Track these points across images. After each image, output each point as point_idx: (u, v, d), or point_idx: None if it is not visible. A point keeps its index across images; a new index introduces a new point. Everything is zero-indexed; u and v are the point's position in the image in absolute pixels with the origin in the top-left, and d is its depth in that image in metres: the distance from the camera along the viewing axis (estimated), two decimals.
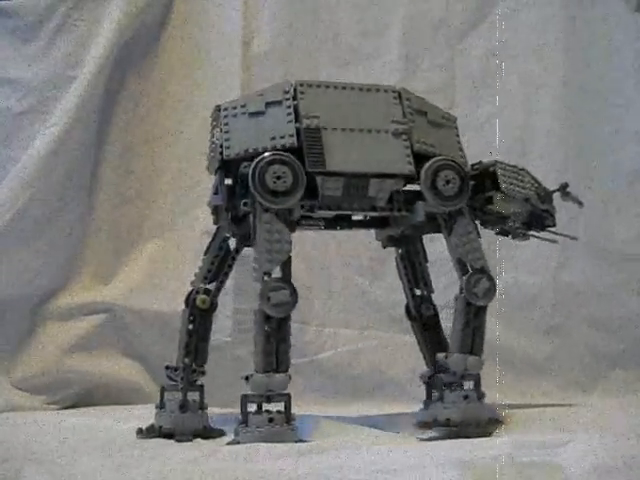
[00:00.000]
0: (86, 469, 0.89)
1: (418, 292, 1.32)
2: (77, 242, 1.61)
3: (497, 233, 1.32)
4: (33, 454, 0.98)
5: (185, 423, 1.14)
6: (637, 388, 1.67)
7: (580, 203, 1.31)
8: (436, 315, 1.31)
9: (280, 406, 1.06)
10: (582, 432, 0.91)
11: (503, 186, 1.22)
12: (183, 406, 1.16)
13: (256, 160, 1.07)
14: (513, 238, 1.32)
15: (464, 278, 1.14)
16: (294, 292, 1.06)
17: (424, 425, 1.12)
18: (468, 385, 1.13)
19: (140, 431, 1.14)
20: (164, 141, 1.68)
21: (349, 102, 1.15)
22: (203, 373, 1.22)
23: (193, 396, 1.19)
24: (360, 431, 1.12)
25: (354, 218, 1.26)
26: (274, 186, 1.06)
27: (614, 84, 1.79)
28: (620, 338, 1.71)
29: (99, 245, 1.62)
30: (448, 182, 1.14)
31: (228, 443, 1.05)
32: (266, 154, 1.08)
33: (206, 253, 1.23)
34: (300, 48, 1.73)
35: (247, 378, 1.07)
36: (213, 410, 1.43)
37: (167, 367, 1.22)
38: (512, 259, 1.69)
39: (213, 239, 1.22)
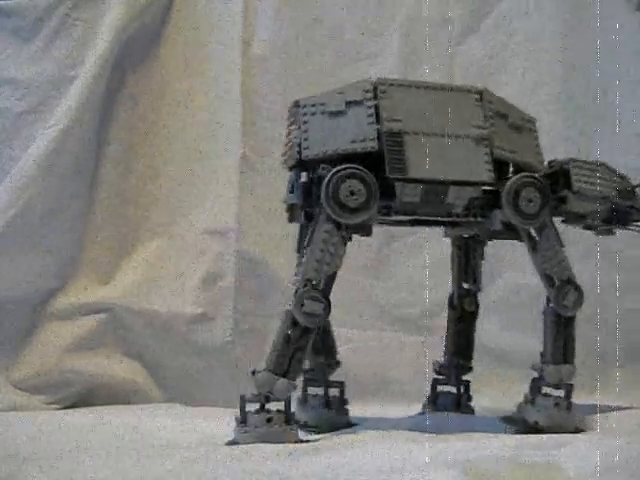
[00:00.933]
0: (86, 469, 0.89)
1: (466, 286, 1.34)
2: (77, 242, 1.60)
3: (583, 228, 1.31)
4: (33, 454, 0.98)
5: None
6: (637, 386, 1.69)
7: None
8: (476, 312, 1.35)
9: (280, 406, 1.06)
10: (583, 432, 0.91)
11: (576, 185, 1.21)
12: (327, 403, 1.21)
13: (332, 171, 1.05)
14: (598, 234, 1.33)
15: (552, 291, 1.16)
16: (328, 307, 1.07)
17: (510, 421, 1.16)
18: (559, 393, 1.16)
19: None
20: (165, 141, 1.67)
21: (430, 103, 1.13)
22: (338, 364, 1.25)
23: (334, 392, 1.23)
24: (362, 431, 1.12)
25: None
26: (346, 201, 1.05)
27: (613, 85, 1.77)
28: (617, 337, 1.71)
29: (99, 245, 1.61)
30: (530, 201, 1.14)
31: (227, 443, 1.05)
32: (342, 166, 1.06)
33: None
34: (300, 48, 1.72)
35: (254, 372, 1.07)
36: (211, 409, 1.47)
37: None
38: (515, 261, 1.68)
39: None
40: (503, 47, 1.80)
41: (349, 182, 1.05)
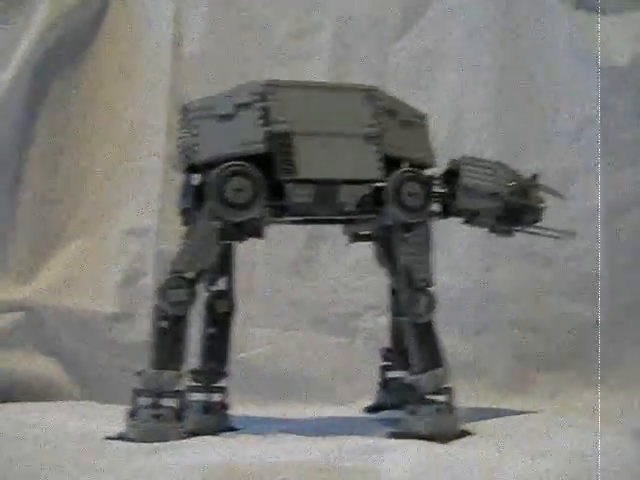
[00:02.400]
0: None
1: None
2: None
3: (490, 231, 1.31)
4: None
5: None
6: (564, 390, 1.68)
7: (556, 193, 1.31)
8: None
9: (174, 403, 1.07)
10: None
11: (464, 181, 1.22)
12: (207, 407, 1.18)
13: (217, 170, 1.06)
14: (498, 234, 1.32)
15: (404, 300, 1.15)
16: (192, 292, 1.07)
17: (398, 436, 1.12)
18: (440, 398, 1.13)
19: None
20: (93, 142, 1.69)
21: (320, 104, 1.13)
22: (225, 374, 1.23)
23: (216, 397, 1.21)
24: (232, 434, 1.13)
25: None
26: (232, 198, 1.06)
27: (546, 84, 1.78)
28: (546, 340, 1.70)
29: (21, 245, 1.62)
30: (412, 194, 1.14)
31: (106, 437, 1.06)
32: (227, 164, 1.06)
33: None
34: (231, 48, 1.73)
35: (139, 373, 1.08)
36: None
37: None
38: (440, 262, 1.68)
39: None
40: (436, 47, 1.80)
41: (236, 179, 1.06)
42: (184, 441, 1.04)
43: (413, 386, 1.14)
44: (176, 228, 1.59)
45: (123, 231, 1.63)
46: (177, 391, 1.07)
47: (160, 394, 1.06)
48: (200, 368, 1.21)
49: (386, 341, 1.67)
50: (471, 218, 1.27)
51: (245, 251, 1.67)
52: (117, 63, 1.71)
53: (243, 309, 1.66)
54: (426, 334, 1.16)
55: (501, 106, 1.76)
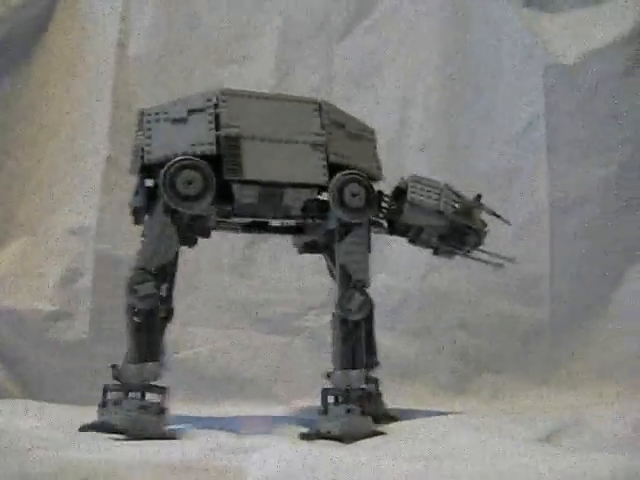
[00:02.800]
0: None
1: None
2: None
3: (434, 253, 1.34)
4: None
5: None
6: (507, 392, 1.68)
7: (496, 214, 1.34)
8: None
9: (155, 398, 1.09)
10: (279, 436, 0.91)
11: (411, 196, 1.26)
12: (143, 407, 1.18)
13: (168, 164, 1.10)
14: (441, 255, 1.35)
15: (338, 296, 1.18)
16: (159, 285, 1.11)
17: (306, 437, 1.13)
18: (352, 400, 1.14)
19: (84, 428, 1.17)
20: (38, 141, 1.70)
21: (270, 112, 1.18)
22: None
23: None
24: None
25: (272, 224, 1.30)
26: (184, 190, 1.10)
27: (492, 82, 1.78)
28: (489, 342, 1.70)
29: None
30: (354, 195, 1.18)
31: (81, 429, 1.08)
32: (178, 158, 1.10)
33: None
34: (176, 49, 1.75)
35: (113, 366, 1.10)
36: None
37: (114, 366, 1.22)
38: (384, 264, 1.69)
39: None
40: (383, 45, 1.81)
41: (186, 172, 1.10)
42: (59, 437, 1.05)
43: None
44: (116, 228, 1.65)
45: (63, 231, 1.64)
46: (161, 387, 1.10)
47: (145, 387, 1.09)
48: None
49: (326, 340, 1.70)
50: (415, 236, 1.30)
51: (187, 250, 1.71)
52: (62, 63, 1.72)
53: (184, 308, 1.70)
54: (353, 333, 1.17)
55: (446, 105, 1.77)
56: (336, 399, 1.15)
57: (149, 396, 1.10)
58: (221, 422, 1.24)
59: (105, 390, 1.13)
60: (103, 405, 1.14)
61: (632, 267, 1.75)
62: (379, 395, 1.34)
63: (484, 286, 1.70)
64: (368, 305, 1.18)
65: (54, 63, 1.73)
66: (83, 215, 1.65)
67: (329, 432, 1.12)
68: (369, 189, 1.19)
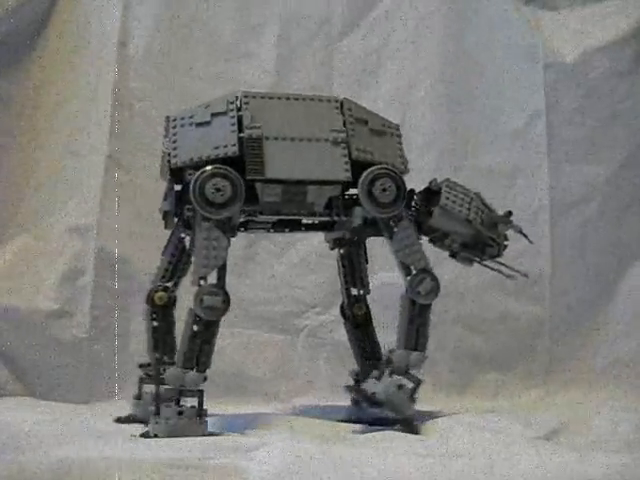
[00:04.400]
0: None
1: (354, 292, 1.39)
2: None
3: (450, 255, 1.35)
4: None
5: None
6: (506, 390, 1.68)
7: (522, 233, 1.35)
8: (368, 314, 1.39)
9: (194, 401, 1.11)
10: (278, 434, 0.91)
11: (443, 202, 1.26)
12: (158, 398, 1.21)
13: (197, 173, 1.13)
14: (458, 260, 1.36)
15: (408, 279, 1.21)
16: (227, 299, 1.14)
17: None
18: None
19: (119, 419, 1.24)
20: (38, 140, 1.70)
21: (292, 112, 1.20)
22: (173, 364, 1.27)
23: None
24: None
25: (302, 221, 1.31)
26: (213, 198, 1.12)
27: (493, 80, 1.78)
28: (489, 341, 1.71)
29: None
30: (384, 190, 1.20)
31: (141, 435, 1.09)
32: (207, 167, 1.13)
33: (163, 253, 1.28)
34: (177, 47, 1.75)
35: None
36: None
37: (141, 365, 1.28)
38: (384, 261, 1.68)
39: (169, 240, 1.28)
40: (383, 45, 1.81)
41: (214, 180, 1.12)
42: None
43: (389, 358, 1.19)
44: (116, 227, 1.66)
45: (63, 230, 1.64)
46: (198, 390, 1.11)
47: (182, 392, 1.11)
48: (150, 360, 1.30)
49: (326, 339, 1.72)
50: (439, 239, 1.31)
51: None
52: (63, 61, 1.72)
53: (184, 307, 1.71)
54: (419, 316, 1.21)
55: (446, 104, 1.77)
56: (390, 373, 1.19)
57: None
58: (221, 421, 1.24)
59: (141, 382, 1.21)
60: (138, 397, 1.22)
61: (632, 266, 1.75)
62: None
63: (484, 285, 1.69)
64: (436, 290, 1.21)
65: (54, 62, 1.73)
66: (83, 214, 1.65)
67: (374, 394, 1.16)
68: (400, 184, 1.21)
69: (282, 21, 1.79)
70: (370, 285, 1.64)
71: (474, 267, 1.67)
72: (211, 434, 1.09)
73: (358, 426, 1.21)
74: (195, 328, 1.12)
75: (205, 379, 1.12)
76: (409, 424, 1.17)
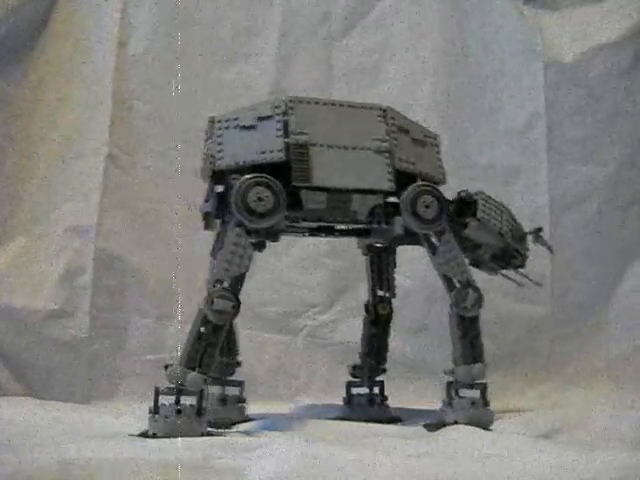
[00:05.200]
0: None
1: (380, 293, 1.40)
2: None
3: (470, 263, 1.37)
4: None
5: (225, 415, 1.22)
6: (506, 389, 1.68)
7: (550, 249, 1.40)
8: (389, 315, 1.39)
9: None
10: (278, 435, 0.92)
11: (480, 215, 1.29)
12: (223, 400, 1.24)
13: (241, 180, 1.13)
14: (483, 269, 1.39)
15: (452, 294, 1.24)
16: (237, 304, 1.12)
17: (433, 427, 1.19)
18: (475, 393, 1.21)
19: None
20: (37, 140, 1.70)
21: (336, 119, 1.21)
22: (238, 364, 1.30)
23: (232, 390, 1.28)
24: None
25: (337, 227, 1.32)
26: (255, 207, 1.12)
27: (493, 80, 1.78)
28: (489, 340, 1.69)
29: None
30: (427, 207, 1.21)
31: (140, 434, 1.09)
32: (250, 175, 1.13)
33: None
34: (176, 48, 1.73)
35: (166, 367, 1.13)
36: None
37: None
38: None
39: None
40: (383, 44, 1.81)
41: (257, 189, 1.12)
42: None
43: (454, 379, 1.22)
44: (115, 227, 1.66)
45: (63, 230, 1.64)
46: (200, 390, 1.10)
47: (181, 391, 1.09)
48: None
49: (326, 339, 1.72)
50: (471, 249, 1.32)
51: (188, 250, 1.72)
52: (62, 61, 1.72)
53: (185, 306, 1.70)
54: (470, 329, 1.24)
55: (447, 102, 1.77)
56: (456, 392, 1.21)
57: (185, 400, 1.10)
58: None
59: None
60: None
61: (632, 266, 1.75)
62: (384, 399, 1.38)
63: (485, 284, 1.65)
64: (480, 302, 1.23)
65: (54, 62, 1.73)
66: (83, 214, 1.65)
67: (456, 422, 1.16)
68: (441, 199, 1.23)
69: (282, 21, 1.79)
70: (366, 285, 1.68)
71: (474, 268, 1.72)
72: (210, 433, 1.08)
73: (358, 426, 1.21)
74: (202, 329, 1.11)
75: (206, 381, 1.11)
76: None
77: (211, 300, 1.11)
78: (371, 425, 1.22)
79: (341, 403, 1.39)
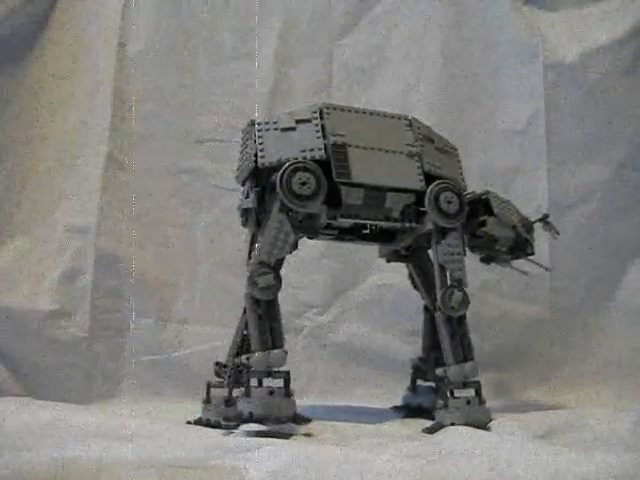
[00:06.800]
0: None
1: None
2: None
3: (481, 260, 1.44)
4: None
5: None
6: (505, 389, 1.68)
7: (557, 233, 1.45)
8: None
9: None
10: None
11: (496, 210, 1.36)
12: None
13: (284, 166, 1.20)
14: (497, 263, 1.44)
15: (439, 296, 1.26)
16: (278, 276, 1.19)
17: (430, 430, 1.19)
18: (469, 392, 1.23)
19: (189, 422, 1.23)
20: (37, 141, 1.69)
21: (368, 124, 1.29)
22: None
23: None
24: None
25: (363, 232, 1.39)
26: (300, 190, 1.19)
27: (492, 81, 1.79)
28: (489, 340, 1.70)
29: None
30: (449, 202, 1.28)
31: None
32: (293, 161, 1.20)
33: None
34: (176, 48, 1.75)
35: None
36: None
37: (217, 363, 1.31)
38: (382, 262, 1.68)
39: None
40: (383, 44, 1.82)
41: (300, 174, 1.20)
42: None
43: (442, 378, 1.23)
44: (116, 227, 1.66)
45: (63, 230, 1.64)
46: (284, 371, 1.15)
47: (270, 374, 1.14)
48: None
49: (326, 339, 1.72)
50: (487, 245, 1.38)
51: (187, 250, 1.72)
52: (63, 60, 1.72)
53: (183, 306, 1.71)
54: (458, 328, 1.26)
55: (446, 103, 1.77)
56: (452, 392, 1.22)
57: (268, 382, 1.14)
58: None
59: (208, 386, 1.24)
60: (207, 401, 1.25)
61: (632, 266, 1.76)
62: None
63: (484, 284, 1.70)
64: (467, 301, 1.25)
65: (54, 62, 1.73)
66: (83, 214, 1.65)
67: (453, 424, 1.17)
68: (461, 197, 1.30)
69: (282, 21, 1.79)
70: (365, 286, 1.69)
71: (473, 268, 1.71)
72: (304, 417, 1.13)
73: (357, 427, 1.22)
74: (259, 311, 1.16)
75: (286, 353, 1.15)
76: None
77: (254, 281, 1.16)
78: (369, 426, 1.23)
79: (342, 404, 1.40)
